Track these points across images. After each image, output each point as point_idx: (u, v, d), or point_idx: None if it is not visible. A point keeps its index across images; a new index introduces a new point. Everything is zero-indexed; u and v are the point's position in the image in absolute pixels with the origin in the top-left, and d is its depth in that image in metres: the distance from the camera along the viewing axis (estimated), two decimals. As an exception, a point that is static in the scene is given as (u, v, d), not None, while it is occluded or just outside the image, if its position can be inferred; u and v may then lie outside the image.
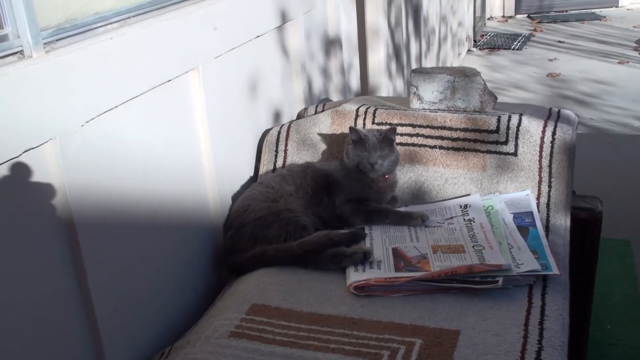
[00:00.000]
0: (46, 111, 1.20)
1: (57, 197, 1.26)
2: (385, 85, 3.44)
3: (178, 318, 1.66)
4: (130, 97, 1.44)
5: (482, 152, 1.92)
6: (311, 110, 2.30)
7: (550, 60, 5.98)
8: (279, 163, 2.10)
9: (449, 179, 1.94)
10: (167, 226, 1.62)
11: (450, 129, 1.97)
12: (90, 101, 1.32)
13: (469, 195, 1.91)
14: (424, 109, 2.09)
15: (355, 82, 3.11)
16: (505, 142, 1.90)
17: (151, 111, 1.54)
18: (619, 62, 5.69)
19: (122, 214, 1.43)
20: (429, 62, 4.74)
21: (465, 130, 1.95)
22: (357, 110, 2.09)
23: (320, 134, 2.09)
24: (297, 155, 2.10)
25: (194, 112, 1.73)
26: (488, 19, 7.92)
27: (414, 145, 1.99)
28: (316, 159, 2.08)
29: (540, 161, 1.85)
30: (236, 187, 2.00)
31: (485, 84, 2.03)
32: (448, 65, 5.57)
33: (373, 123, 2.06)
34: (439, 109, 2.07)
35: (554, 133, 1.87)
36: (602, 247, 1.89)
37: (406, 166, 1.99)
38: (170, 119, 1.63)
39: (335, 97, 2.79)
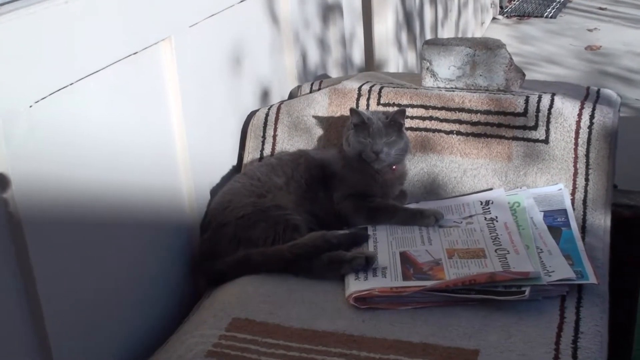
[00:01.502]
0: (-14, 89, 1.19)
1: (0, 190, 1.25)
2: (394, 59, 3.43)
3: (146, 334, 1.66)
4: (89, 72, 1.43)
5: (507, 138, 1.92)
6: (305, 88, 2.29)
7: (589, 30, 5.97)
8: (267, 151, 2.09)
9: (468, 171, 1.94)
10: (132, 225, 1.61)
11: (469, 111, 1.96)
12: (41, 77, 1.31)
13: (491, 189, 1.91)
14: (438, 87, 2.09)
15: (358, 56, 3.10)
16: (535, 127, 1.90)
17: (114, 89, 1.53)
18: (671, 33, 5.70)
19: (78, 211, 1.42)
20: (446, 33, 4.73)
21: (487, 112, 1.95)
22: (359, 89, 2.08)
23: (315, 117, 2.09)
24: (289, 142, 2.09)
25: (165, 90, 1.72)
26: (517, -19, 7.91)
27: (426, 130, 1.99)
28: (311, 147, 2.08)
29: (575, 150, 1.85)
30: (216, 179, 1.99)
31: (511, 58, 2.03)
32: (469, 35, 5.56)
33: (378, 104, 2.05)
34: (456, 88, 2.07)
35: (592, 116, 1.86)
36: (648, 252, 1.89)
37: (417, 155, 1.99)
38: (138, 98, 1.62)
39: (334, 73, 2.79)
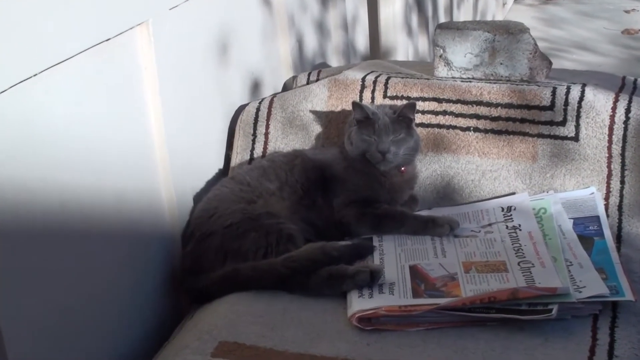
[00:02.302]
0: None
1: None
2: (403, 45, 3.44)
3: (122, 359, 1.66)
4: (55, 62, 1.42)
5: (532, 135, 1.93)
6: (302, 79, 2.29)
7: (627, 11, 5.98)
8: (258, 151, 2.09)
9: (487, 173, 1.95)
10: (104, 236, 1.61)
11: (488, 104, 1.97)
12: (0, 67, 1.30)
13: (513, 194, 1.91)
14: (453, 77, 2.09)
15: (362, 42, 3.11)
16: (563, 123, 1.91)
17: (84, 81, 1.53)
18: None
19: (40, 218, 1.42)
20: (462, 15, 4.73)
21: (508, 106, 1.95)
22: (363, 80, 2.08)
23: (313, 112, 2.09)
24: (283, 141, 2.09)
25: (142, 82, 1.73)
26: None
27: (440, 126, 2.00)
28: (308, 146, 2.07)
29: (609, 148, 1.86)
30: (199, 183, 1.99)
31: (536, 44, 2.03)
32: (488, 18, 5.56)
33: (385, 97, 2.06)
34: (473, 78, 2.07)
35: (627, 110, 1.87)
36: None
37: (429, 155, 1.99)
38: (110, 91, 1.62)
39: (334, 61, 2.79)
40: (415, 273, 1.66)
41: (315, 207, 1.86)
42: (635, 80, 2.04)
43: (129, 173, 1.69)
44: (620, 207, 1.82)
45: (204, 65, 2.00)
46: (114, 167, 1.64)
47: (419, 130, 1.97)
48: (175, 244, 1.87)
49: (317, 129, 2.09)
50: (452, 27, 2.07)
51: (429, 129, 2.00)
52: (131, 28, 1.65)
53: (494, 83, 2.01)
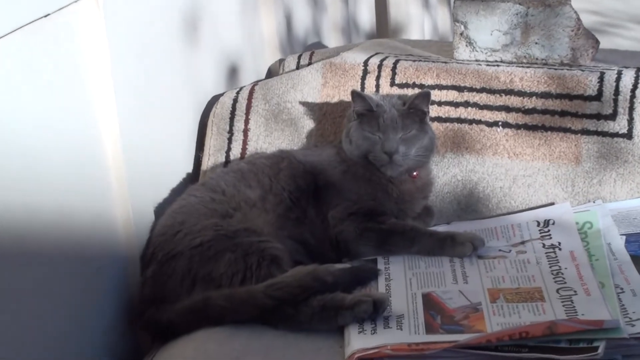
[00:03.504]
0: None
1: None
2: (417, 21, 3.43)
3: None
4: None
5: (575, 132, 1.93)
6: (290, 63, 2.29)
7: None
8: (235, 152, 2.10)
9: (519, 178, 1.95)
10: (44, 260, 1.60)
11: (521, 93, 1.97)
12: None
13: (552, 204, 1.92)
14: (477, 60, 2.09)
15: (365, 17, 3.11)
16: (613, 117, 1.91)
17: (15, 67, 1.51)
18: None
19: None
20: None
21: (545, 96, 1.96)
22: (366, 63, 2.09)
23: (304, 103, 2.09)
24: (266, 139, 2.09)
25: (89, 69, 1.72)
26: None
27: (460, 120, 2.00)
28: (297, 145, 2.08)
29: (670, 147, 1.87)
30: (162, 192, 2.00)
31: (579, 19, 2.03)
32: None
33: (392, 85, 2.06)
34: (502, 61, 2.07)
35: (693, 100, 1.88)
36: None
37: (448, 156, 2.00)
38: (48, 80, 1.61)
39: (331, 41, 2.80)
40: (430, 303, 1.66)
41: (306, 221, 1.87)
42: (702, 62, 2.04)
43: (73, 185, 1.68)
44: (684, 221, 1.81)
45: (168, 46, 2.00)
46: (53, 180, 1.62)
47: (434, 125, 1.97)
48: (131, 268, 1.86)
49: (308, 124, 2.09)
50: (476, -1, 2.08)
51: (447, 124, 2.00)
52: (75, 1, 1.65)
53: (528, 67, 2.01)
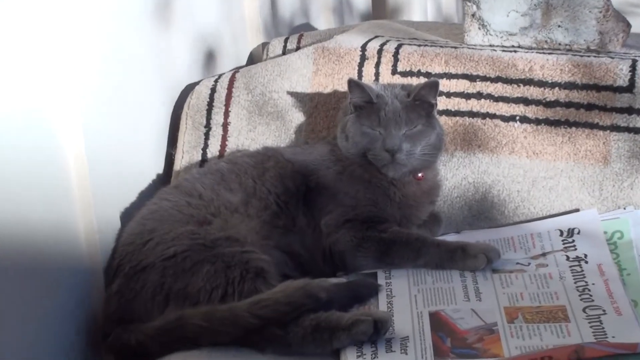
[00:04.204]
0: None
1: None
2: (420, 1, 3.44)
3: None
4: None
5: (603, 128, 1.94)
6: (275, 46, 2.31)
7: None
8: (213, 149, 2.11)
9: (540, 180, 1.95)
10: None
11: (541, 83, 1.98)
12: None
13: (577, 211, 1.92)
14: (491, 45, 2.09)
15: (362, -5, 3.12)
16: (647, 110, 1.93)
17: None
18: None
19: None
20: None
21: (570, 86, 1.96)
22: (364, 48, 2.09)
23: (292, 93, 2.10)
24: (249, 135, 2.10)
25: (43, 52, 1.70)
26: None
27: (472, 114, 2.01)
28: (285, 142, 2.09)
29: None
30: (129, 196, 1.99)
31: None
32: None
33: (394, 73, 2.06)
34: (520, 46, 2.08)
35: None
36: None
37: (458, 155, 2.01)
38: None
39: (321, 22, 2.80)
40: (438, 323, 1.65)
41: (295, 229, 1.86)
42: None
43: (27, 184, 1.66)
44: None
45: (136, 27, 1.99)
46: (2, 177, 1.59)
47: (442, 120, 1.96)
48: (95, 282, 1.85)
49: (297, 117, 2.08)
50: (490, -25, 2.07)
51: (457, 118, 2.00)
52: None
53: (549, 54, 2.00)
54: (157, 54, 2.07)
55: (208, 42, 2.25)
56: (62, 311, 1.77)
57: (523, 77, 1.98)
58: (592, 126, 1.94)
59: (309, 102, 2.08)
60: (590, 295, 1.68)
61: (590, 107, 1.94)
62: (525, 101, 1.97)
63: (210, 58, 2.26)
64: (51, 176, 1.74)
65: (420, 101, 1.86)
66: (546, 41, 2.06)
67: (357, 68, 2.07)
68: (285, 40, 2.30)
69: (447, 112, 2.00)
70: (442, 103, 1.99)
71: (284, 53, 2.24)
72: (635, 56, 1.96)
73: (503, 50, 2.05)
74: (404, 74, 2.05)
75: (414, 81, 2.00)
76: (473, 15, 2.09)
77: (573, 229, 1.86)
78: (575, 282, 1.73)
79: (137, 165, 2.04)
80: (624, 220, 1.85)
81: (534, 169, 1.95)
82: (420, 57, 2.05)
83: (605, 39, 2.03)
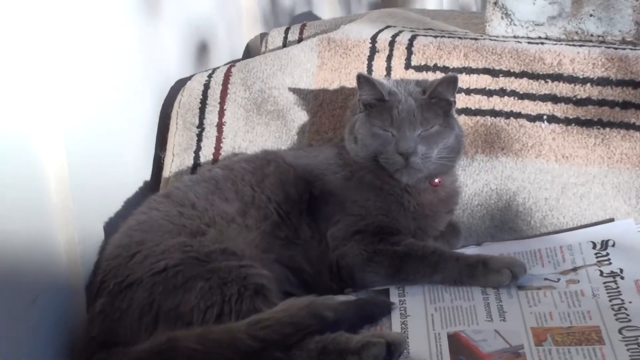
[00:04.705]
0: None
1: None
2: (433, -13, 3.46)
3: None
4: None
5: (640, 129, 1.94)
6: (275, 38, 2.32)
7: None
8: (207, 152, 2.11)
9: (570, 187, 1.94)
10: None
11: (571, 79, 1.97)
12: None
13: (612, 221, 1.91)
14: (516, 37, 2.10)
15: (369, -19, 3.12)
16: (691, 110, 1.92)
17: None
18: None
19: None
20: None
21: (603, 82, 1.95)
22: (374, 39, 2.09)
23: (295, 90, 2.09)
24: (246, 136, 2.09)
25: (21, 47, 1.68)
26: None
27: (495, 113, 2.00)
28: (286, 145, 2.08)
29: None
30: (114, 204, 1.99)
31: (645, -14, 2.03)
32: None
33: (408, 67, 2.06)
34: (547, 38, 2.08)
35: None
36: None
37: (479, 159, 2.00)
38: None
39: (325, 11, 2.81)
40: (458, 346, 1.64)
41: (299, 241, 1.86)
42: None
43: (1, 193, 1.65)
44: None
45: (122, 17, 1.99)
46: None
47: (462, 119, 1.96)
48: (75, 300, 1.84)
49: (300, 117, 2.08)
50: (514, -40, 2.07)
51: (478, 117, 2.00)
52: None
53: (580, 46, 2.00)
54: (144, 46, 2.08)
55: (200, 32, 2.26)
56: (38, 334, 1.75)
57: (551, 72, 1.98)
58: (628, 127, 1.93)
59: (313, 99, 2.08)
60: (627, 315, 1.67)
61: (625, 105, 1.94)
62: (554, 99, 1.97)
63: (203, 50, 2.27)
64: (26, 181, 1.73)
65: (437, 99, 1.85)
66: (577, 32, 2.05)
67: (366, 62, 2.07)
68: (286, 31, 2.31)
69: (466, 111, 2.00)
70: (461, 101, 1.98)
71: (284, 45, 2.25)
72: (676, 49, 1.95)
73: (529, 42, 2.04)
74: (419, 68, 2.05)
75: (430, 76, 1.99)
76: (495, 3, 2.08)
77: (607, 241, 1.85)
78: (610, 300, 1.71)
79: (123, 169, 2.04)
80: (666, 233, 1.84)
81: (564, 174, 1.95)
82: (436, 49, 2.05)
83: (643, 30, 2.02)
